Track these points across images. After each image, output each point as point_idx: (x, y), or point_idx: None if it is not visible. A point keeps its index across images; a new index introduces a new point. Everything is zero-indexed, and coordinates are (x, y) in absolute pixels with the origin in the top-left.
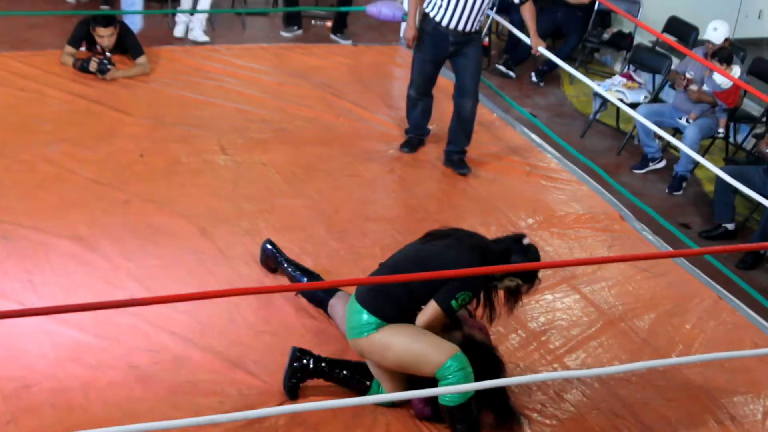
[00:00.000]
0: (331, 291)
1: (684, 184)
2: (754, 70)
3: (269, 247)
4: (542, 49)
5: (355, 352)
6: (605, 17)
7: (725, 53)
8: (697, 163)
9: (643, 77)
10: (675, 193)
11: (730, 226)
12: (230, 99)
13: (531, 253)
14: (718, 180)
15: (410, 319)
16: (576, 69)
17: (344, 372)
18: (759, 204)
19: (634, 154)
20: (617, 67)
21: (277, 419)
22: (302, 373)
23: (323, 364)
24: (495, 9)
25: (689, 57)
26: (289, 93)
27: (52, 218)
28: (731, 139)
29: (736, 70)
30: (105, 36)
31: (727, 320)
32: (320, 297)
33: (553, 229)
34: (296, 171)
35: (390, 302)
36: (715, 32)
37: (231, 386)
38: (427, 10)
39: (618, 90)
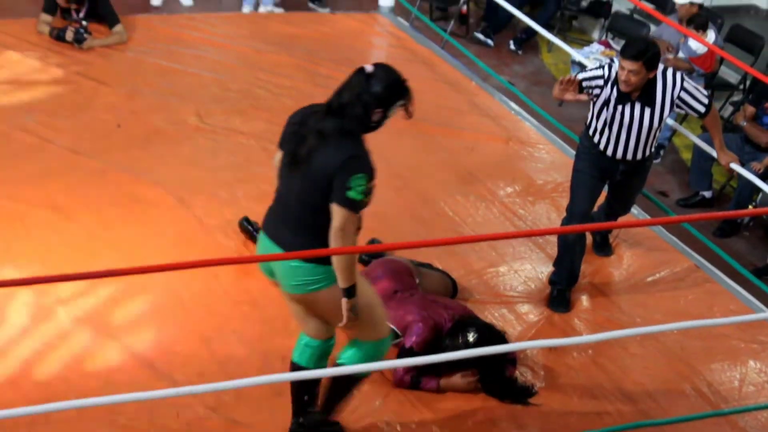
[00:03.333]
0: None
1: (662, 152)
2: (732, 37)
3: (245, 223)
4: (524, 17)
5: (301, 304)
6: None
7: (701, 20)
8: (674, 131)
9: (621, 45)
10: (654, 161)
11: (707, 194)
12: (208, 68)
13: (380, 72)
14: (696, 148)
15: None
16: (554, 36)
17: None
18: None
19: None
20: (595, 35)
21: (256, 388)
22: None
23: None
24: None
25: (664, 24)
26: (267, 61)
27: (30, 187)
28: None
29: (711, 35)
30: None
31: (704, 288)
32: None
33: (530, 197)
34: (274, 140)
35: (313, 235)
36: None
37: (210, 356)
38: (589, 131)
39: (596, 58)
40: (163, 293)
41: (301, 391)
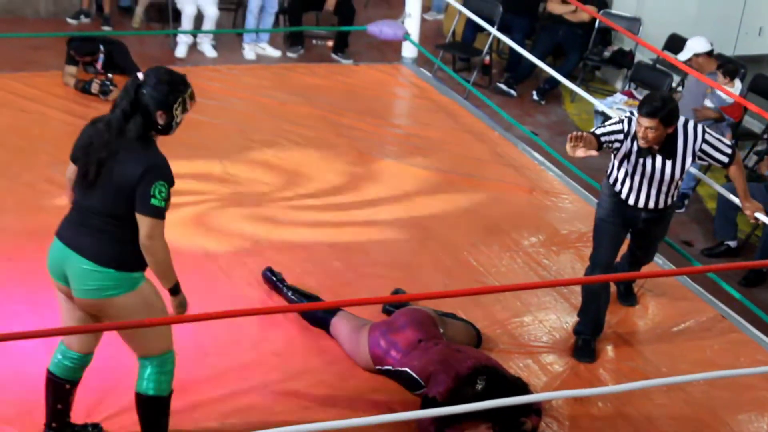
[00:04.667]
0: (333, 311)
1: (686, 202)
2: (755, 87)
3: (268, 274)
4: (555, 74)
5: (88, 310)
6: (606, 35)
7: (730, 67)
8: (698, 181)
9: (644, 95)
10: (677, 211)
11: (732, 244)
12: (232, 119)
13: (153, 75)
14: (720, 197)
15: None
16: (577, 86)
17: None
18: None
19: None
20: (618, 85)
21: None
22: None
23: None
24: (496, 27)
25: (689, 77)
26: (291, 112)
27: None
28: None
29: (738, 84)
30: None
31: (729, 338)
32: (322, 317)
33: (554, 247)
34: (298, 191)
35: (113, 241)
36: (684, 52)
37: (234, 407)
38: (610, 180)
39: (619, 108)
40: (188, 344)
41: (57, 400)
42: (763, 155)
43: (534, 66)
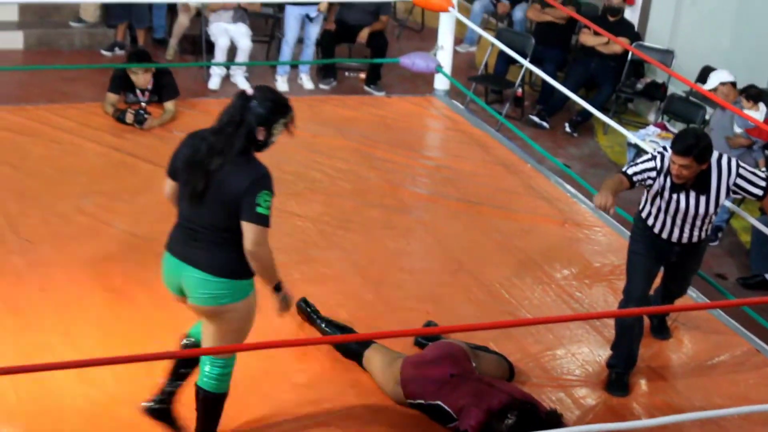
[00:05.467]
0: (366, 343)
1: (720, 235)
2: None
3: (303, 305)
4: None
5: (207, 317)
6: (639, 67)
7: (753, 91)
8: (732, 213)
9: (677, 127)
10: (710, 244)
11: None
12: (264, 151)
13: (261, 94)
14: (755, 230)
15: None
16: (610, 118)
17: None
18: None
19: None
20: (651, 117)
21: None
22: None
23: None
24: (528, 59)
25: (717, 109)
26: (323, 144)
27: (88, 270)
28: None
29: (762, 108)
30: (140, 73)
31: (765, 372)
32: (354, 349)
33: (587, 280)
34: (330, 222)
35: (225, 252)
36: (709, 82)
37: None
38: (642, 214)
39: (652, 140)
40: None
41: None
42: None
43: (566, 98)
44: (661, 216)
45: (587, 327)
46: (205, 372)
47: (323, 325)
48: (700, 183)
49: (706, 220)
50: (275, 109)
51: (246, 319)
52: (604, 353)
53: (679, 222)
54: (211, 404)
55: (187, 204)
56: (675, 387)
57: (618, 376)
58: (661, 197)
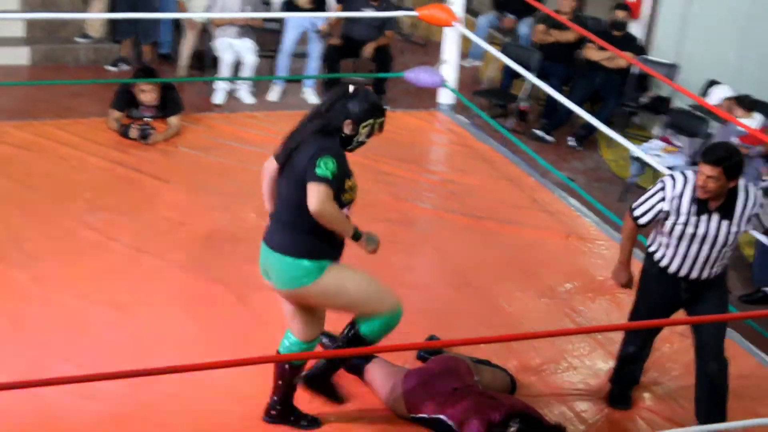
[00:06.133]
0: (367, 357)
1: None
2: None
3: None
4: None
5: (293, 300)
6: (643, 81)
7: (746, 100)
8: None
9: (682, 141)
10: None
11: None
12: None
13: (362, 94)
14: (758, 244)
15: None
16: (614, 133)
17: None
18: None
19: None
20: (655, 131)
21: None
22: None
23: None
24: (534, 73)
25: (718, 125)
26: None
27: (92, 285)
28: None
29: (757, 117)
30: (147, 90)
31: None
32: (356, 363)
33: (590, 293)
34: None
35: (298, 233)
36: (709, 97)
37: None
38: (650, 249)
39: (656, 154)
40: (221, 391)
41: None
42: None
43: (570, 112)
44: (674, 243)
45: (589, 341)
46: (371, 321)
47: (324, 339)
48: (725, 206)
49: (724, 251)
50: (368, 109)
51: (340, 295)
52: (606, 366)
53: (694, 251)
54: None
55: (277, 184)
56: (678, 400)
57: (620, 390)
58: (678, 221)
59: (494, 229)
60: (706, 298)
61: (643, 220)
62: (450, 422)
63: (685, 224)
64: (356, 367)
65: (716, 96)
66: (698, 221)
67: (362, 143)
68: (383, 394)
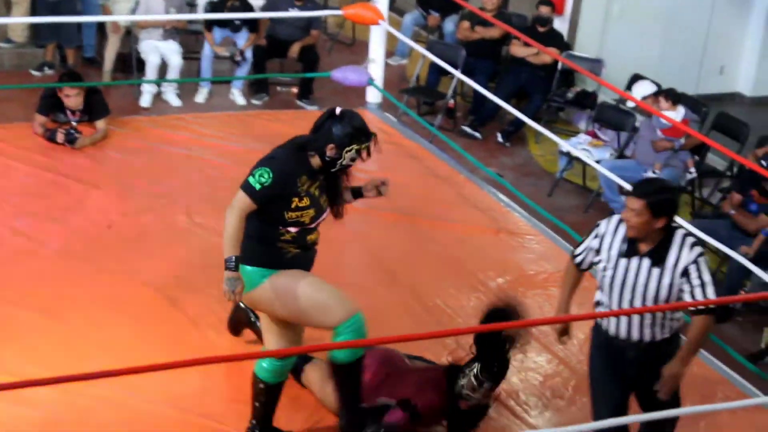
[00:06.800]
0: (305, 358)
1: None
2: (718, 125)
3: (243, 305)
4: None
5: (253, 308)
6: (569, 76)
7: (671, 92)
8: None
9: (608, 135)
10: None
11: None
12: (197, 167)
13: (347, 117)
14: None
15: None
16: (542, 128)
17: None
18: (726, 257)
19: (601, 211)
20: (582, 126)
21: None
22: None
23: None
24: (460, 70)
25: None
26: (257, 159)
27: (21, 290)
28: (697, 194)
29: (681, 110)
30: (72, 95)
31: (698, 374)
32: (295, 364)
33: (521, 288)
34: None
35: (246, 239)
36: (635, 91)
37: None
38: (595, 309)
39: (583, 148)
40: (156, 393)
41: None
42: (727, 193)
43: (498, 108)
44: (608, 293)
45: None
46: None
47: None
48: (657, 252)
49: (662, 310)
50: (351, 134)
51: (276, 304)
52: (540, 359)
53: (626, 304)
54: (345, 372)
55: None
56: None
57: None
58: (608, 266)
59: (424, 226)
60: (653, 382)
61: (577, 259)
62: (390, 401)
63: (614, 269)
64: (294, 368)
65: (637, 92)
66: (628, 265)
67: (347, 166)
68: (321, 395)
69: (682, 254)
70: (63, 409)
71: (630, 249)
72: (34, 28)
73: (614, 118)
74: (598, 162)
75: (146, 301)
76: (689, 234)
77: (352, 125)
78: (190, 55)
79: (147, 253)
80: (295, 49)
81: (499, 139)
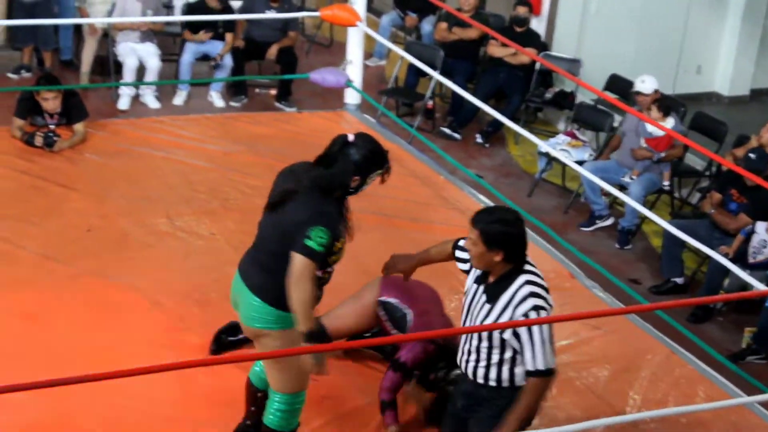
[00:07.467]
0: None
1: (630, 238)
2: (695, 125)
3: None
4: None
5: (249, 336)
6: (547, 77)
7: (665, 102)
8: (642, 219)
9: (586, 135)
10: (625, 248)
11: (680, 281)
12: (176, 170)
13: (361, 141)
14: (666, 234)
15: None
16: (520, 128)
17: None
18: (706, 257)
19: (581, 212)
20: (561, 126)
21: None
22: None
23: None
24: (438, 71)
25: (628, 114)
26: (235, 162)
27: (1, 296)
28: (676, 194)
29: (670, 121)
30: (50, 98)
31: (680, 374)
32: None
33: None
34: (245, 239)
35: (272, 278)
36: (643, 84)
37: None
38: None
39: (562, 149)
40: (139, 397)
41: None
42: (706, 192)
43: (477, 109)
44: (461, 320)
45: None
46: (272, 409)
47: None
48: (493, 287)
49: (486, 347)
50: (373, 160)
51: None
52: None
53: (463, 321)
54: None
55: (261, 220)
56: (593, 391)
57: None
58: (466, 288)
59: (404, 227)
60: (479, 417)
61: (457, 253)
62: (410, 318)
63: (467, 291)
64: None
65: (649, 85)
66: (475, 291)
67: (364, 189)
68: (351, 308)
69: (513, 300)
70: (44, 413)
71: (481, 276)
72: (10, 30)
73: (592, 118)
74: (579, 163)
75: (128, 304)
76: (534, 283)
77: (370, 150)
78: (168, 57)
79: (127, 256)
80: (272, 51)
81: (479, 139)
